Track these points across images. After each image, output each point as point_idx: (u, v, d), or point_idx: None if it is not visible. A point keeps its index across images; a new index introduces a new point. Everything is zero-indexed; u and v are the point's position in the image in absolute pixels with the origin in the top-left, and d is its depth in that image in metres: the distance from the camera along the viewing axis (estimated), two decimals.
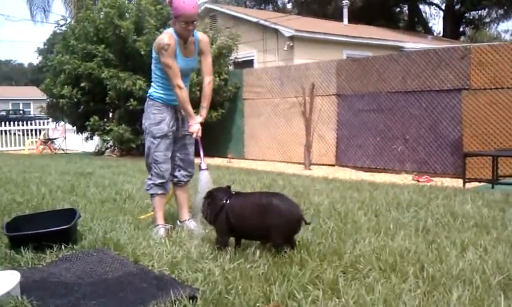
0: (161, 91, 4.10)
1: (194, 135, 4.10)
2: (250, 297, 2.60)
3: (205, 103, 4.20)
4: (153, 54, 4.06)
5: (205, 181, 4.02)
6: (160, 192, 4.16)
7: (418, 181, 8.04)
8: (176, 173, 4.29)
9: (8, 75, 72.67)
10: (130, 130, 12.16)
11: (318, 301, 2.54)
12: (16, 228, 3.80)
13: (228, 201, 3.52)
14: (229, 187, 3.72)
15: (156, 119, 4.08)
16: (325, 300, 2.54)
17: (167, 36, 3.94)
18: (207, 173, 4.06)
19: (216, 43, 13.00)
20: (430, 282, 2.77)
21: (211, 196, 3.60)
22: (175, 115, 4.17)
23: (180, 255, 3.34)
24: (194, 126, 4.07)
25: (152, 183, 4.15)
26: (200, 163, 4.09)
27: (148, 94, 4.20)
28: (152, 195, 4.20)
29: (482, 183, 7.31)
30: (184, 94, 3.99)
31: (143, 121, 4.19)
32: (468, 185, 7.12)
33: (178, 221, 4.37)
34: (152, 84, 4.17)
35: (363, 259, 3.14)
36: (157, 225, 4.15)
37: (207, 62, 4.24)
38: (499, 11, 29.85)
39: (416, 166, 9.08)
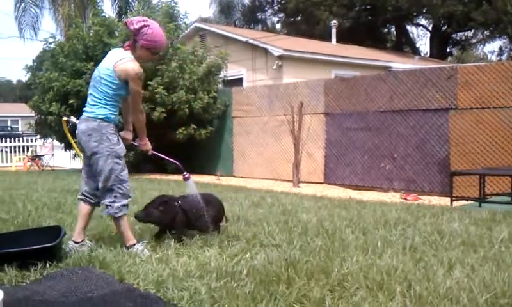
0: (115, 113, 4.12)
1: (149, 153, 4.35)
2: None
3: (130, 119, 4.35)
4: (116, 80, 3.96)
5: (193, 186, 4.50)
6: (127, 211, 4.14)
7: (406, 199, 8.06)
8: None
9: None
10: None
11: None
12: (0, 245, 3.74)
13: None
14: None
15: (114, 140, 4.07)
16: None
17: (138, 64, 4.01)
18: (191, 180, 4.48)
19: (206, 62, 13.04)
20: (417, 301, 2.76)
21: None
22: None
23: (166, 273, 3.31)
24: (148, 144, 4.33)
25: (121, 205, 4.04)
26: (183, 173, 4.38)
27: (102, 116, 4.03)
28: (121, 217, 4.06)
29: (469, 202, 7.35)
30: (144, 117, 4.23)
31: (94, 144, 4.03)
32: (455, 203, 7.16)
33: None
34: (104, 106, 4.03)
35: (351, 277, 3.12)
36: (134, 244, 4.06)
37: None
38: (485, 32, 30.32)
39: (404, 184, 9.12)
